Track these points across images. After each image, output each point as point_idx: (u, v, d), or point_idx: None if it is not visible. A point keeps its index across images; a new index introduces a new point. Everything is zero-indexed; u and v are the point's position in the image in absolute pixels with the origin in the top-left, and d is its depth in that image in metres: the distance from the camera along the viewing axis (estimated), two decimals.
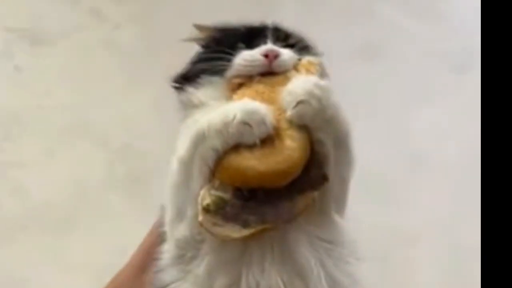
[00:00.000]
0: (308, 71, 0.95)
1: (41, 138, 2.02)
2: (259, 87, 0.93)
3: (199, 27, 1.09)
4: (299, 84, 0.88)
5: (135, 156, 2.03)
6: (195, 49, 1.11)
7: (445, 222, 2.04)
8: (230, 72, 0.96)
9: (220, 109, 0.88)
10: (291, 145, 0.85)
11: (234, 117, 0.85)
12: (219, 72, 0.97)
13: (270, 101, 0.90)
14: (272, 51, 0.96)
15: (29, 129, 2.03)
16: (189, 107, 1.00)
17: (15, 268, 1.89)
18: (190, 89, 1.00)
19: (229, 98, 0.94)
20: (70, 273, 1.89)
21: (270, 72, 0.95)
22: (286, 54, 0.97)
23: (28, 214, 1.95)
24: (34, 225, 1.94)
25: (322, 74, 0.97)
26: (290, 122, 0.87)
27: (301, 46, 1.03)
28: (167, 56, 2.02)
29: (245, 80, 0.95)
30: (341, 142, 0.91)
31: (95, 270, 1.78)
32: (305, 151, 0.86)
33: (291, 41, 1.03)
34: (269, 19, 2.17)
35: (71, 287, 1.88)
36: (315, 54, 1.03)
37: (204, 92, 0.98)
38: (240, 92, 0.93)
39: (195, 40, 1.09)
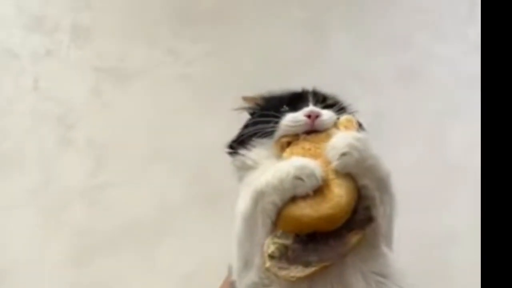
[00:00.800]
0: (346, 127, 1.03)
1: (127, 164, 2.12)
2: (305, 144, 1.02)
3: (246, 99, 1.21)
4: (341, 139, 0.97)
5: (210, 179, 2.10)
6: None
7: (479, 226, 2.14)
8: (278, 133, 1.06)
9: (274, 167, 0.97)
10: (339, 192, 0.93)
11: (288, 173, 0.93)
12: (268, 134, 1.06)
13: (316, 156, 0.98)
14: (313, 112, 1.05)
15: (117, 155, 2.13)
16: (243, 169, 1.09)
17: (107, 280, 2.00)
18: (243, 152, 1.09)
19: (279, 156, 1.03)
20: (157, 284, 2.00)
21: (314, 130, 1.04)
22: (326, 114, 1.06)
23: (117, 230, 2.05)
24: (123, 241, 2.04)
25: (359, 128, 1.07)
26: (336, 172, 0.95)
27: (338, 106, 1.12)
28: (235, 89, 2.18)
29: (292, 139, 1.04)
30: (383, 185, 0.98)
31: (178, 279, 1.98)
32: (352, 196, 0.94)
33: (329, 102, 1.13)
34: (321, 48, 2.32)
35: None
36: (350, 112, 1.14)
37: (257, 152, 1.07)
38: (288, 150, 1.03)
39: (244, 109, 1.21)
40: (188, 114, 2.21)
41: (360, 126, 1.10)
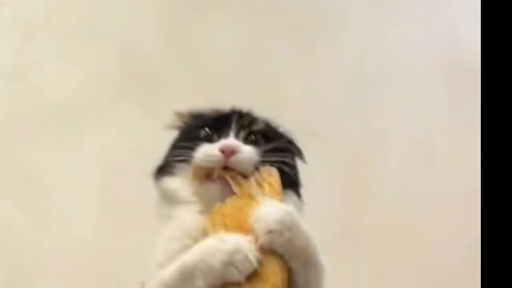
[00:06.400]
0: (270, 185, 0.96)
1: (56, 43, 2.06)
2: (226, 209, 0.94)
3: (178, 114, 1.13)
4: (269, 211, 0.90)
5: (140, 57, 2.08)
6: None
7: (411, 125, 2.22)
8: (193, 163, 0.99)
9: (203, 246, 0.90)
10: (273, 270, 0.89)
11: (219, 260, 0.87)
12: (186, 160, 1.01)
13: (238, 224, 0.91)
14: (228, 147, 0.97)
15: (45, 33, 2.06)
16: (167, 198, 1.03)
17: (33, 160, 1.96)
18: (165, 179, 1.03)
19: (194, 184, 0.99)
20: (83, 166, 1.97)
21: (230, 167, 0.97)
22: (245, 152, 0.98)
23: (44, 113, 2.00)
24: (50, 123, 1.99)
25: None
26: (264, 248, 0.89)
27: (266, 134, 1.05)
28: None
29: (208, 171, 0.98)
30: (310, 265, 0.93)
31: (104, 164, 1.96)
32: (285, 272, 0.90)
33: (255, 127, 1.05)
34: None
35: (83, 177, 1.96)
36: (282, 139, 1.07)
37: (177, 181, 1.02)
38: (210, 219, 0.95)
39: (174, 127, 1.12)
40: None
41: (282, 175, 1.01)
